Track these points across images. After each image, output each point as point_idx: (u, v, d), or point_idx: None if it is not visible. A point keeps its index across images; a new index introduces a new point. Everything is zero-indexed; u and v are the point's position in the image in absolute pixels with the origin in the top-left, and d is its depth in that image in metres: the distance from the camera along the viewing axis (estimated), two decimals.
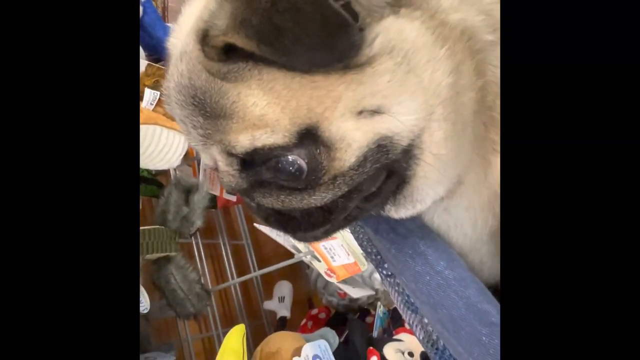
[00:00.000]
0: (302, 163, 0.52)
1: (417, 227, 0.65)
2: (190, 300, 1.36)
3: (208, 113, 0.51)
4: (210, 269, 1.90)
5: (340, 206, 0.57)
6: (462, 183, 0.61)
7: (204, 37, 0.50)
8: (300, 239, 0.64)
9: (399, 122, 0.51)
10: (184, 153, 1.32)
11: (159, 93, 1.26)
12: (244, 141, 0.51)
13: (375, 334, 1.58)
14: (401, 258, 0.63)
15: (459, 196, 0.62)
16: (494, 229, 0.65)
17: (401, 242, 0.64)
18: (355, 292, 1.46)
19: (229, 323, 1.87)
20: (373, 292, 1.58)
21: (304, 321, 1.83)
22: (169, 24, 1.47)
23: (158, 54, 1.42)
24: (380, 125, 0.51)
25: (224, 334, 1.77)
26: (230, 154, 0.53)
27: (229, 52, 0.49)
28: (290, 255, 1.53)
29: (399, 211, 0.61)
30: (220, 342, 1.76)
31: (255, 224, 1.55)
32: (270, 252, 2.02)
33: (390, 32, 0.50)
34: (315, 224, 0.58)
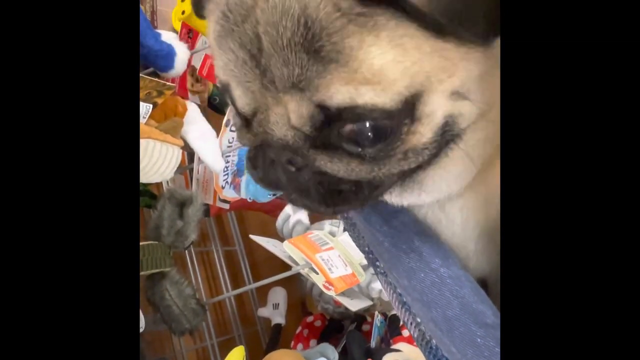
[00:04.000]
0: (388, 130, 0.49)
1: (412, 221, 0.62)
2: (186, 316, 1.33)
3: (317, 51, 0.45)
4: (203, 276, 1.87)
5: (390, 182, 0.55)
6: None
7: None
8: (337, 212, 0.60)
9: (474, 107, 0.50)
10: (177, 165, 1.29)
11: (151, 106, 1.22)
12: (345, 93, 0.46)
13: (373, 343, 1.57)
14: (394, 253, 0.61)
15: (459, 195, 0.60)
16: (484, 230, 0.64)
17: (395, 235, 0.62)
18: (353, 305, 1.45)
19: (223, 332, 1.85)
20: (371, 303, 1.56)
21: (299, 329, 1.81)
22: (158, 31, 1.42)
23: (149, 64, 1.37)
24: (457, 106, 0.50)
25: (219, 343, 1.76)
26: (318, 105, 0.47)
27: None
28: (284, 262, 1.51)
29: (402, 195, 0.58)
30: (214, 353, 1.74)
31: (251, 236, 1.52)
32: (263, 257, 1.99)
33: None
34: (362, 198, 0.55)
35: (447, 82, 0.48)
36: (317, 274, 1.40)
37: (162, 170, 1.25)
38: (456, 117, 0.50)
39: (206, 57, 1.58)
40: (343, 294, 1.44)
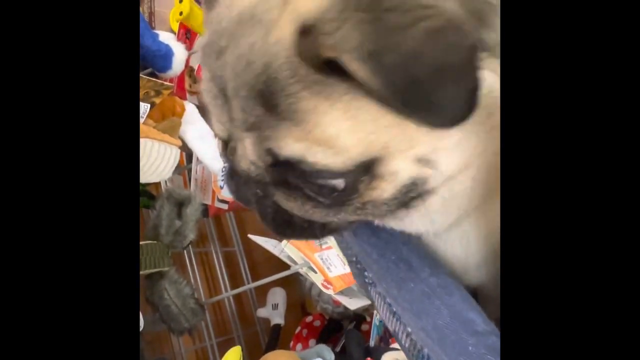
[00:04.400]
0: (341, 184, 0.49)
1: (400, 232, 0.62)
2: (185, 315, 1.33)
3: (272, 108, 0.46)
4: (202, 277, 1.87)
5: (343, 227, 0.57)
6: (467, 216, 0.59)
7: (305, 32, 0.44)
8: (284, 239, 0.65)
9: (439, 174, 0.50)
10: (175, 165, 1.29)
11: (149, 106, 1.23)
12: (296, 149, 0.47)
13: (372, 343, 1.57)
14: (383, 263, 0.61)
15: (457, 225, 0.61)
16: (491, 251, 0.64)
17: (383, 246, 0.62)
18: (352, 304, 1.45)
19: (222, 332, 1.85)
20: (369, 302, 1.56)
21: (298, 329, 1.81)
22: (156, 31, 1.43)
23: (147, 64, 1.38)
24: (423, 171, 0.50)
25: (218, 343, 1.76)
26: (269, 151, 0.49)
27: (327, 63, 0.44)
28: (282, 261, 1.51)
29: (384, 222, 0.59)
30: (214, 353, 1.74)
31: (249, 235, 1.52)
32: (262, 257, 1.99)
33: (484, 88, 0.46)
34: (310, 235, 0.57)
35: (409, 151, 0.48)
36: (316, 273, 1.41)
37: (160, 170, 1.25)
38: (423, 181, 0.51)
39: None
40: (342, 293, 1.44)
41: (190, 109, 1.43)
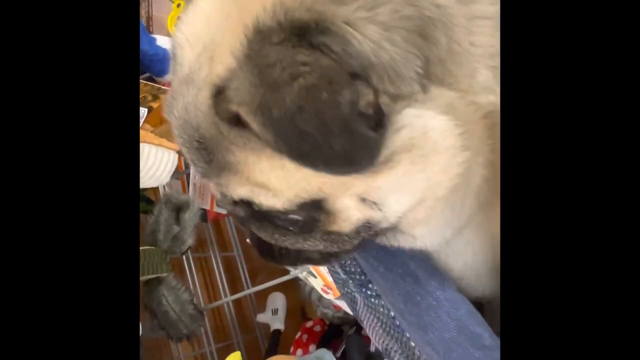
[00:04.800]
0: (299, 218, 0.52)
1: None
2: (183, 321, 1.32)
3: (211, 161, 0.49)
4: (201, 282, 1.86)
5: (318, 259, 0.59)
6: (464, 228, 0.60)
7: (218, 93, 0.47)
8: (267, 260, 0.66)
9: (389, 213, 0.52)
10: (173, 170, 1.28)
11: (146, 110, 1.22)
12: (242, 193, 0.50)
13: (372, 348, 1.56)
14: (390, 277, 0.62)
15: (461, 234, 0.62)
16: (495, 264, 0.65)
17: (391, 260, 0.63)
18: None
19: (222, 338, 1.83)
20: (355, 317, 1.55)
21: (298, 334, 1.79)
22: (154, 35, 1.42)
23: (145, 68, 1.37)
24: (373, 213, 0.51)
25: (217, 349, 1.74)
26: (224, 195, 0.52)
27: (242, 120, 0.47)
28: (283, 268, 1.50)
29: (382, 240, 0.61)
30: (213, 359, 1.73)
31: (248, 240, 1.51)
32: (262, 263, 1.98)
33: (415, 129, 0.47)
34: (286, 261, 0.61)
35: (348, 193, 0.50)
36: (316, 277, 1.39)
37: (157, 174, 1.24)
38: (374, 222, 0.52)
39: None
40: (341, 297, 1.43)
41: None
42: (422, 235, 0.58)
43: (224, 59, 0.46)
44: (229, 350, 1.77)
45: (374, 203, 0.50)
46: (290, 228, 0.54)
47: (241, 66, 0.44)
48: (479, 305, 0.71)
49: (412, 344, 0.60)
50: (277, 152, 0.46)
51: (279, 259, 0.60)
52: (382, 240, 0.60)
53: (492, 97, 0.48)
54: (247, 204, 0.52)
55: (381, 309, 0.65)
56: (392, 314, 0.62)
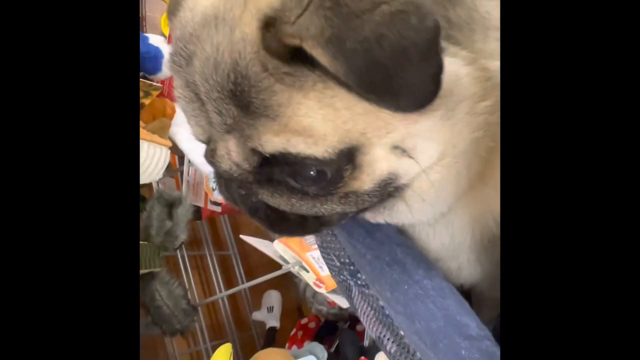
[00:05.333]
0: (328, 173, 0.50)
1: (394, 233, 0.63)
2: (177, 316, 1.33)
3: (246, 106, 0.46)
4: (196, 281, 1.87)
5: (336, 220, 0.57)
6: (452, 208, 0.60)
7: (268, 25, 0.44)
8: (280, 235, 0.65)
9: (416, 166, 0.51)
10: (165, 166, 1.29)
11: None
12: (277, 143, 0.47)
13: (366, 342, 1.56)
14: (377, 265, 0.61)
15: (445, 214, 0.61)
16: (477, 241, 0.64)
17: (378, 248, 0.62)
18: (345, 302, 1.44)
19: (217, 336, 1.84)
20: (350, 306, 1.55)
21: (293, 331, 1.80)
22: (146, 34, 1.43)
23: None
24: (400, 163, 0.51)
25: (212, 347, 1.75)
26: (253, 150, 0.49)
27: (295, 53, 0.44)
28: (278, 264, 1.51)
29: (375, 217, 0.60)
30: (208, 356, 1.73)
31: (241, 236, 1.52)
32: (257, 261, 1.99)
33: (450, 74, 0.46)
34: (306, 230, 0.58)
35: (386, 138, 0.49)
36: (308, 272, 1.40)
37: (150, 171, 1.25)
38: (398, 175, 0.52)
39: None
40: (334, 291, 1.44)
41: (181, 111, 1.44)
42: (424, 205, 0.57)
43: None
44: None
45: (404, 151, 0.50)
46: (309, 190, 0.52)
47: (303, 1, 0.42)
48: (467, 294, 0.71)
49: (401, 332, 0.60)
50: (338, 87, 0.45)
51: (294, 229, 0.57)
52: (377, 215, 0.59)
53: (497, 63, 0.49)
54: (275, 161, 0.49)
55: (371, 298, 0.65)
56: (381, 303, 0.62)
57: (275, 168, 0.51)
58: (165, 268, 1.35)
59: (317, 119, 0.46)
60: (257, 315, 1.90)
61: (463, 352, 0.54)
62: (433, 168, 0.52)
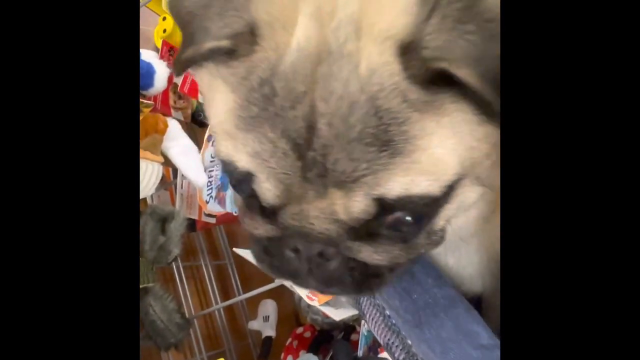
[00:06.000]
0: (431, 214, 0.49)
1: None
2: (171, 330, 1.34)
3: (387, 144, 0.43)
4: (193, 291, 1.88)
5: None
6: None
7: (405, 51, 0.43)
8: (369, 295, 0.59)
9: (481, 190, 0.51)
10: (157, 182, 1.30)
11: None
12: (403, 184, 0.44)
13: (360, 352, 1.57)
14: None
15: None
16: (484, 265, 0.65)
17: None
18: (338, 314, 1.45)
19: (213, 346, 1.85)
20: (357, 312, 1.56)
21: (289, 341, 1.81)
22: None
23: None
24: (475, 193, 0.51)
25: (209, 357, 1.76)
26: (376, 199, 0.45)
27: (434, 78, 0.43)
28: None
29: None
30: None
31: (235, 249, 1.53)
32: (254, 270, 1.98)
33: None
34: (395, 277, 0.54)
35: (481, 166, 0.48)
36: None
37: (142, 186, 1.26)
38: (466, 205, 0.52)
39: (186, 74, 1.60)
40: (327, 304, 1.45)
41: (173, 125, 1.45)
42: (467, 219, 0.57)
43: (394, 20, 0.43)
44: (221, 358, 1.79)
45: (480, 178, 0.49)
46: (407, 234, 0.49)
47: (442, 22, 0.41)
48: (477, 302, 0.71)
49: (409, 341, 0.59)
50: (468, 110, 0.44)
51: (387, 282, 0.53)
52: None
53: None
54: (387, 210, 0.46)
55: (375, 308, 0.64)
56: (387, 312, 0.61)
57: (384, 218, 0.48)
58: (158, 283, 1.36)
59: (448, 147, 0.45)
60: (253, 325, 1.91)
61: None
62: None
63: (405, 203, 0.46)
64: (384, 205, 0.46)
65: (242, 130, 0.46)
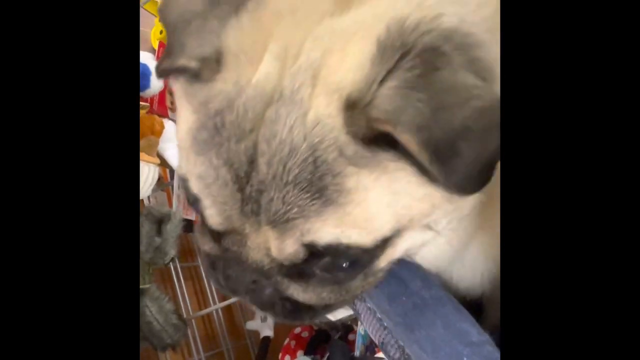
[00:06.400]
0: (364, 261, 0.50)
1: None
2: (167, 331, 1.34)
3: (321, 192, 0.44)
4: (190, 291, 1.88)
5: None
6: None
7: (350, 107, 0.43)
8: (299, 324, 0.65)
9: (431, 235, 0.53)
10: (154, 183, 1.31)
11: None
12: (334, 234, 0.46)
13: (357, 352, 1.57)
14: None
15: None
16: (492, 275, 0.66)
17: None
18: (334, 314, 1.45)
19: (211, 346, 1.85)
20: (353, 312, 1.56)
21: (286, 341, 1.81)
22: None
23: None
24: (422, 237, 0.52)
25: (207, 358, 1.76)
26: (309, 245, 0.47)
27: (376, 137, 0.44)
28: None
29: None
30: None
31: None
32: None
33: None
34: (317, 316, 0.57)
35: (425, 220, 0.50)
36: None
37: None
38: (416, 248, 0.54)
39: None
40: None
41: (170, 127, 1.45)
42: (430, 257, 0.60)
43: (346, 74, 0.43)
44: (219, 358, 1.79)
45: (431, 227, 0.51)
46: (338, 278, 0.51)
47: (394, 86, 0.42)
48: (478, 304, 0.72)
49: (401, 342, 0.59)
50: (409, 170, 0.45)
51: (317, 316, 0.57)
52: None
53: None
54: (316, 255, 0.48)
55: (368, 312, 0.65)
56: (379, 315, 0.61)
57: (316, 261, 0.49)
58: (154, 284, 1.36)
59: (382, 204, 0.46)
60: (251, 325, 1.91)
61: (465, 358, 0.55)
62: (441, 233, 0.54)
63: (335, 251, 0.47)
64: (313, 251, 0.47)
65: (194, 152, 0.48)
